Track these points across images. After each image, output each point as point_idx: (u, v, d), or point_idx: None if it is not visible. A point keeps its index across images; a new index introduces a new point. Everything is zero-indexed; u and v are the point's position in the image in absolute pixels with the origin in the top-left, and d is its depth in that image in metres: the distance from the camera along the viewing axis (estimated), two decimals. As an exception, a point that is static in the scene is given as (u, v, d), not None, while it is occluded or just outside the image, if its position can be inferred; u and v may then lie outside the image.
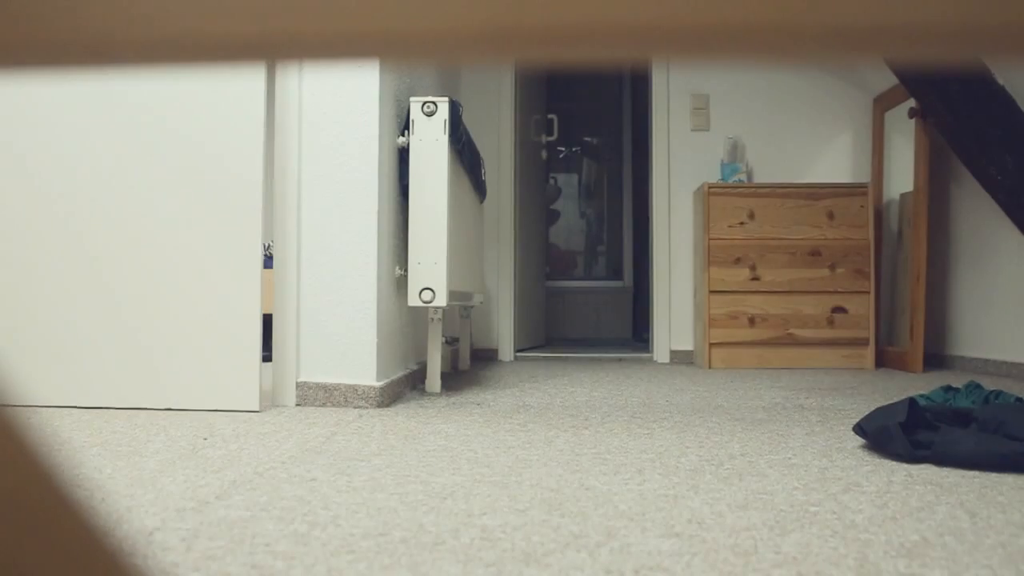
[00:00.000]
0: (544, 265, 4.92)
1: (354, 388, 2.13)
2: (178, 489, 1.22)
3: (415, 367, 2.66)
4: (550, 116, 4.85)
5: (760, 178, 4.02)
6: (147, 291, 2.05)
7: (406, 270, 2.36)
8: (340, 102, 2.18)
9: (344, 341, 2.16)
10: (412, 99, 2.33)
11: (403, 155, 2.43)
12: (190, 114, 2.06)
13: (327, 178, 2.18)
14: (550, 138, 4.86)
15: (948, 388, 1.88)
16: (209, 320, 2.04)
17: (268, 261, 3.62)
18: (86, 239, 2.07)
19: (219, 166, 2.04)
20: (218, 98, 2.05)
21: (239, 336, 2.03)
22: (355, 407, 2.12)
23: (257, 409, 2.02)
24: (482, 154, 4.11)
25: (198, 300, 2.04)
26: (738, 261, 3.62)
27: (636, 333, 6.15)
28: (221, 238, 2.04)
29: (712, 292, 3.63)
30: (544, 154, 4.81)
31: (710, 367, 3.61)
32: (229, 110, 2.04)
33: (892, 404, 1.62)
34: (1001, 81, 3.04)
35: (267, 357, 2.41)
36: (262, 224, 2.04)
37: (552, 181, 6.32)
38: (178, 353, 2.04)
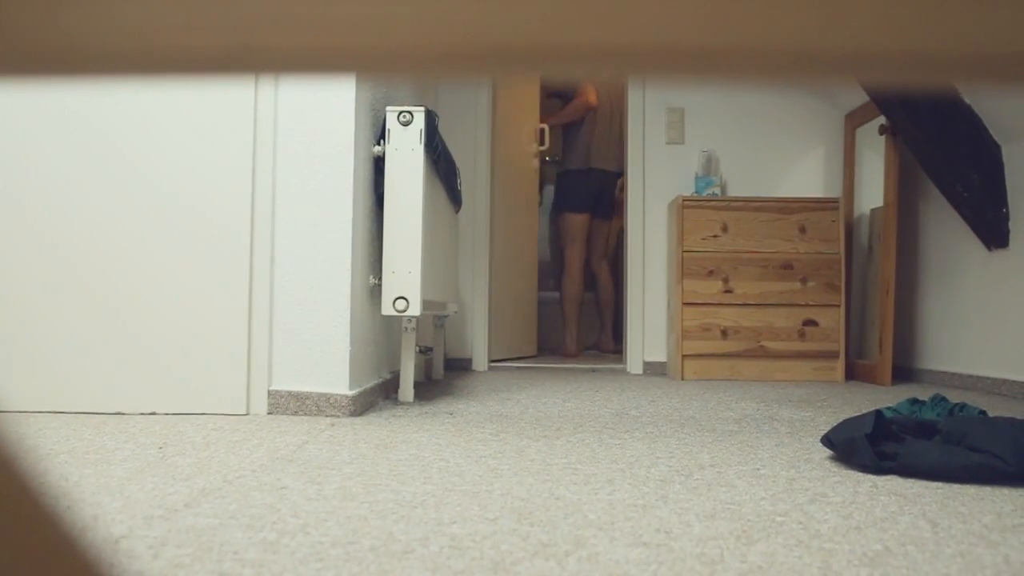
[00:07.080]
0: (535, 275, 4.82)
1: (326, 397, 2.13)
2: (146, 497, 1.21)
3: (388, 376, 2.66)
4: (541, 126, 4.80)
5: (734, 192, 4.06)
6: (125, 296, 2.04)
7: (380, 279, 2.36)
8: (315, 110, 2.18)
9: (317, 349, 2.15)
10: (388, 108, 2.33)
11: (379, 164, 2.43)
12: (176, 124, 2.05)
13: (301, 186, 2.17)
14: (542, 148, 4.82)
15: (914, 401, 1.92)
16: (192, 325, 2.02)
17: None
18: (64, 245, 2.05)
19: (204, 170, 2.03)
20: (203, 110, 2.05)
21: (223, 341, 2.02)
22: (327, 416, 2.11)
23: (244, 412, 2.00)
24: (458, 164, 4.12)
25: (183, 305, 2.03)
26: (711, 274, 3.66)
27: (610, 344, 6.14)
28: (206, 245, 2.03)
29: (685, 304, 3.65)
30: (535, 163, 4.77)
31: (683, 378, 3.63)
32: (215, 123, 2.04)
33: (859, 416, 1.64)
34: (968, 100, 3.10)
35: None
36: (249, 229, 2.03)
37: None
38: (159, 358, 2.02)
